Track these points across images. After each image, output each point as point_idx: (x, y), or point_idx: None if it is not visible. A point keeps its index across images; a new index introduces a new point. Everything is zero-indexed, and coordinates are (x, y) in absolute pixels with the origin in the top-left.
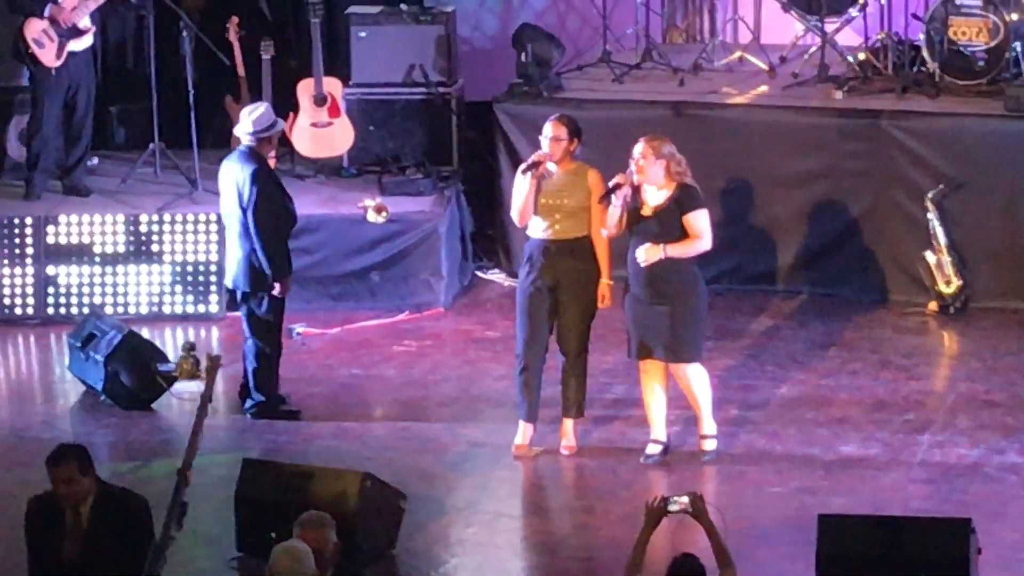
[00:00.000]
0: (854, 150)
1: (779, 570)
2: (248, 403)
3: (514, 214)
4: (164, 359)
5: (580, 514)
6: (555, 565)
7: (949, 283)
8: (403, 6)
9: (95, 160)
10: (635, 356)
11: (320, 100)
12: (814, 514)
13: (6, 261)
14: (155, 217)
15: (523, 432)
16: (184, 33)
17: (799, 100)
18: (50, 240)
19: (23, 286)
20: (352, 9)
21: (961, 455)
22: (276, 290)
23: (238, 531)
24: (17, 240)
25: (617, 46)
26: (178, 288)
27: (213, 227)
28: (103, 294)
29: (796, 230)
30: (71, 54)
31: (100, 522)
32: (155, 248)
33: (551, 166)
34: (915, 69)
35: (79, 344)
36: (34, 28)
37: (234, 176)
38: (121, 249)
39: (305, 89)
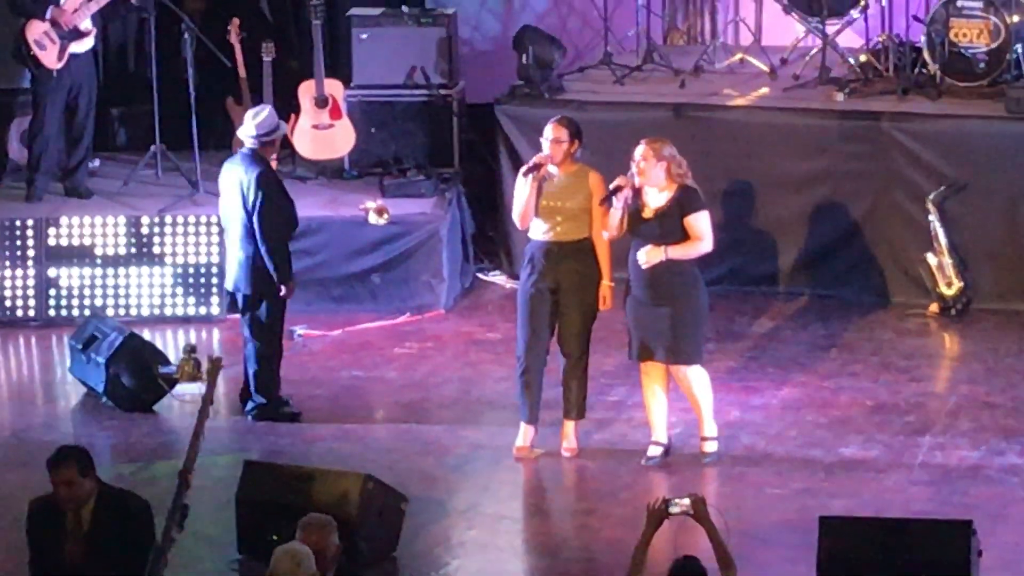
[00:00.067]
0: (855, 152)
1: (780, 572)
2: (249, 405)
3: (515, 216)
4: (165, 361)
5: (581, 516)
6: (556, 567)
7: (950, 285)
8: (404, 8)
9: (96, 162)
10: (636, 358)
11: (321, 102)
12: (815, 516)
13: (7, 263)
14: (156, 219)
15: (524, 434)
16: (185, 35)
17: (800, 102)
18: (51, 242)
19: (24, 288)
20: (353, 11)
21: (962, 457)
22: (283, 292)
23: (239, 533)
24: (18, 242)
25: (618, 48)
26: (179, 290)
27: (214, 229)
28: (104, 296)
29: (797, 232)
30: (72, 56)
31: (101, 524)
32: (156, 250)
33: (552, 168)
34: (916, 71)
35: (80, 346)
36: (36, 30)
37: (237, 179)
38: (122, 251)
39: (306, 91)
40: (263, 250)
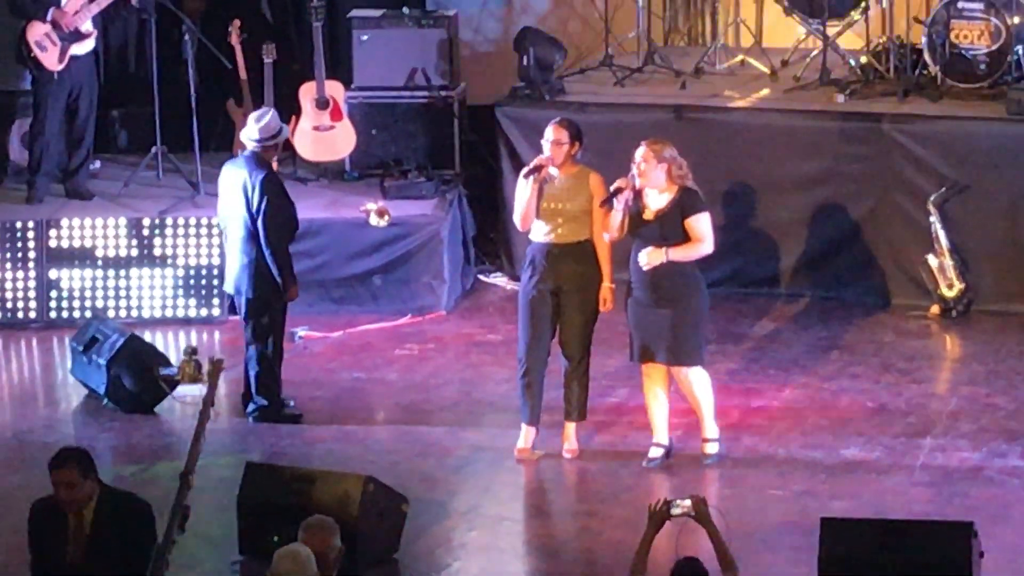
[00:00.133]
0: (856, 153)
1: (781, 573)
2: (250, 407)
3: (516, 218)
4: (166, 363)
5: (582, 518)
6: (557, 569)
7: (951, 286)
8: (405, 9)
9: (97, 164)
10: (637, 359)
11: (322, 103)
12: (816, 517)
13: (8, 264)
14: (157, 221)
15: (525, 435)
16: (186, 37)
17: (801, 103)
18: (52, 244)
19: (25, 290)
20: (354, 13)
21: (963, 458)
22: (286, 297)
23: (240, 534)
24: (19, 244)
25: (619, 49)
26: (180, 292)
27: (215, 231)
28: (105, 298)
29: (798, 233)
30: (73, 58)
31: (103, 526)
32: (157, 252)
33: (553, 170)
34: (917, 72)
35: (81, 348)
36: (36, 32)
37: (240, 181)
38: (123, 253)
39: (307, 92)
40: (267, 254)
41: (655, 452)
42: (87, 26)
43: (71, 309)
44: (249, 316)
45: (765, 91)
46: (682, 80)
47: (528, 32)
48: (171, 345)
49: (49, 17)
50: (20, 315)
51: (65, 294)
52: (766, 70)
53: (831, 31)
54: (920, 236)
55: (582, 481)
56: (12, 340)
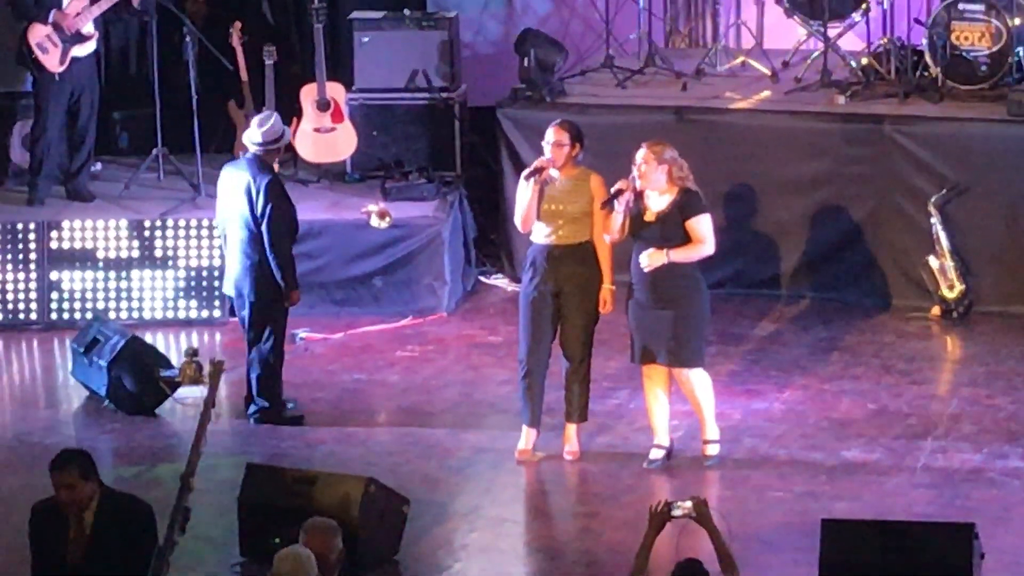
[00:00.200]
0: (857, 155)
1: (782, 574)
2: (251, 408)
3: (517, 220)
4: (167, 364)
5: (583, 519)
6: (558, 570)
7: (952, 288)
8: (406, 11)
9: (98, 165)
10: (638, 361)
11: (323, 105)
12: (817, 519)
13: (10, 266)
14: (158, 222)
15: (526, 437)
16: (187, 38)
17: (802, 105)
18: (53, 245)
19: (26, 291)
20: (355, 14)
21: (964, 460)
22: (289, 302)
23: (241, 536)
24: (20, 245)
25: (620, 51)
26: (181, 293)
27: (216, 232)
28: (106, 299)
29: (799, 235)
30: (74, 59)
31: (104, 528)
32: (158, 253)
33: (554, 172)
34: (918, 74)
35: (82, 349)
36: (38, 33)
37: (243, 185)
38: (124, 254)
39: (308, 94)
40: (271, 258)
41: (656, 453)
42: (88, 28)
43: (72, 311)
44: (251, 318)
45: (766, 93)
46: (683, 82)
47: (529, 34)
48: (172, 347)
49: (50, 19)
50: (21, 316)
51: (66, 295)
52: (767, 72)
53: (832, 32)
54: (921, 238)
55: (583, 482)
56: (13, 341)
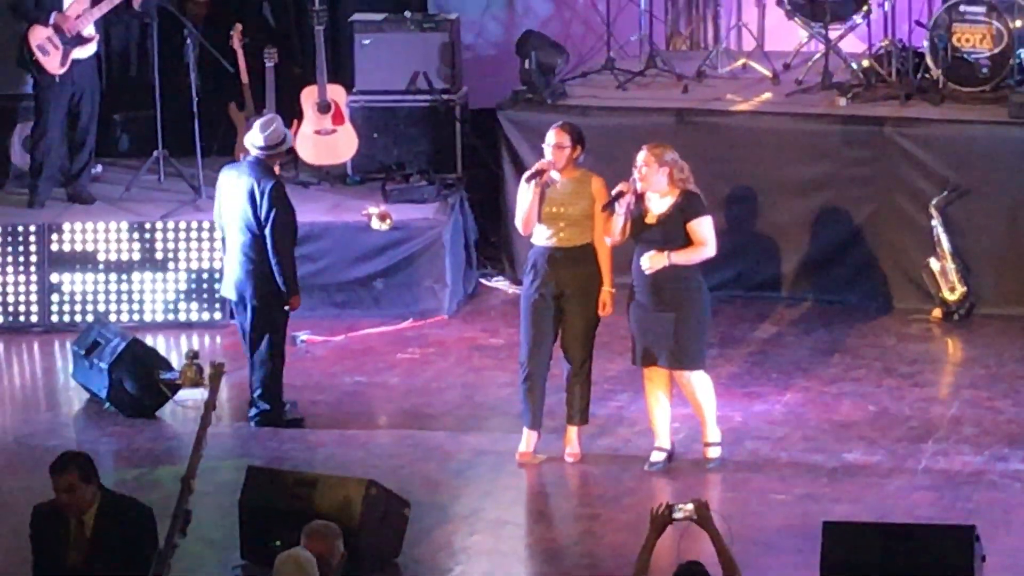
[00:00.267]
0: (858, 157)
1: None
2: (252, 411)
3: (518, 222)
4: (168, 367)
5: (584, 521)
6: (559, 572)
7: (953, 290)
8: (407, 13)
9: (99, 167)
10: (639, 363)
11: (324, 107)
12: (818, 521)
13: (10, 268)
14: (159, 225)
15: (527, 439)
16: (188, 41)
17: (803, 107)
18: (54, 247)
19: (27, 293)
20: (356, 16)
21: (965, 462)
22: (289, 307)
23: (242, 538)
24: (21, 247)
25: (621, 53)
26: (182, 295)
27: (217, 234)
28: (107, 301)
29: (800, 237)
30: (75, 61)
31: (104, 530)
32: (159, 256)
33: (555, 174)
34: (919, 76)
35: (83, 352)
36: (38, 35)
37: (245, 188)
38: (125, 257)
39: (309, 96)
40: (274, 262)
41: (657, 456)
42: (89, 30)
43: (73, 313)
44: (252, 322)
45: (767, 95)
46: (684, 84)
47: (530, 36)
48: (173, 349)
49: (51, 21)
50: (22, 319)
51: (67, 298)
52: (768, 74)
53: (833, 35)
54: (922, 240)
55: (584, 485)
56: (14, 344)
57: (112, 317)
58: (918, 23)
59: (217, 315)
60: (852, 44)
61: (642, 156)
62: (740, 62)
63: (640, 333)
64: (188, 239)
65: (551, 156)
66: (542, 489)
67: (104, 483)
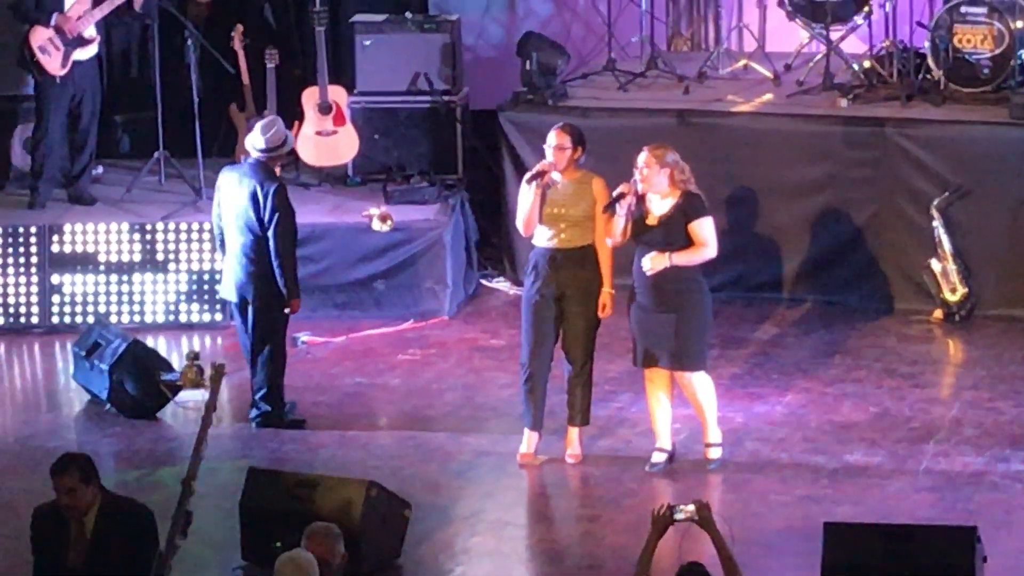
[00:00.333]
0: (859, 158)
1: None
2: (253, 412)
3: (519, 223)
4: (169, 368)
5: (585, 523)
6: (560, 573)
7: (954, 291)
8: (408, 14)
9: (100, 169)
10: (640, 364)
11: (325, 108)
12: (819, 522)
13: (11, 269)
14: (160, 226)
15: (528, 441)
16: (189, 42)
17: (804, 108)
18: (55, 249)
19: (28, 295)
20: (357, 17)
21: (966, 463)
22: (289, 310)
23: (243, 540)
24: (22, 248)
25: (622, 54)
26: (183, 297)
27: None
28: (108, 303)
29: (801, 238)
30: (76, 63)
31: (105, 532)
32: (160, 257)
33: (556, 175)
34: (920, 77)
35: (84, 353)
36: (40, 36)
37: (247, 191)
38: (126, 258)
39: (310, 98)
40: (276, 265)
41: (658, 457)
42: (90, 31)
43: (73, 314)
44: (254, 323)
45: (768, 96)
46: (685, 85)
47: (531, 37)
48: (173, 350)
49: (52, 22)
50: (23, 320)
51: (67, 299)
52: (769, 75)
53: (834, 36)
54: (923, 241)
55: (585, 486)
56: (15, 345)
57: (113, 318)
58: (919, 24)
59: (218, 316)
60: (853, 45)
61: (643, 157)
62: (741, 63)
63: (641, 334)
64: (189, 240)
65: (552, 157)
66: (543, 490)
67: (105, 484)
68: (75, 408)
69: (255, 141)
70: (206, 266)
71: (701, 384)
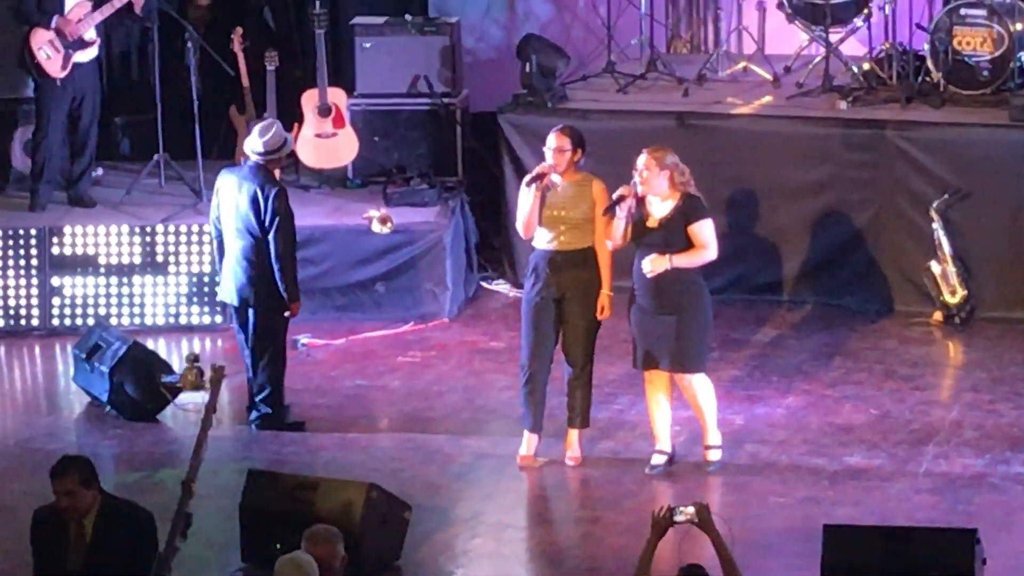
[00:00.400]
0: (858, 160)
1: None
2: (253, 414)
3: (519, 226)
4: (168, 370)
5: (585, 524)
6: (560, 575)
7: (954, 293)
8: (408, 16)
9: (100, 171)
10: (640, 366)
11: (324, 111)
12: (819, 524)
13: (11, 272)
14: (160, 228)
15: (528, 443)
16: (189, 44)
17: (803, 110)
18: (55, 251)
19: (28, 297)
20: (356, 20)
21: (966, 465)
22: (289, 313)
23: (243, 542)
24: (22, 251)
25: (621, 56)
26: (183, 299)
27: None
28: (108, 305)
29: (801, 240)
30: (76, 65)
31: (104, 534)
32: (160, 259)
33: (555, 177)
34: (919, 79)
35: (84, 355)
36: (40, 39)
37: (247, 193)
38: (126, 260)
39: (309, 100)
40: (276, 268)
41: (658, 459)
42: (90, 34)
43: (74, 316)
44: (254, 325)
45: (768, 98)
46: (685, 87)
47: (531, 39)
48: (173, 352)
49: (53, 24)
50: (23, 322)
51: (68, 301)
52: (768, 77)
53: (833, 38)
54: (923, 243)
55: (585, 488)
56: (15, 347)
57: (113, 320)
58: (919, 26)
59: (218, 318)
60: (853, 47)
61: (643, 160)
62: (741, 65)
63: (641, 336)
64: (189, 243)
65: (552, 159)
66: (543, 492)
67: (105, 486)
68: (75, 410)
69: (253, 144)
70: (206, 268)
71: (701, 386)
